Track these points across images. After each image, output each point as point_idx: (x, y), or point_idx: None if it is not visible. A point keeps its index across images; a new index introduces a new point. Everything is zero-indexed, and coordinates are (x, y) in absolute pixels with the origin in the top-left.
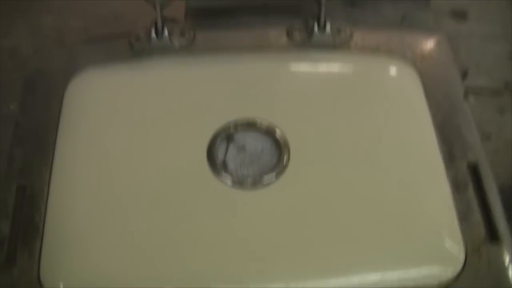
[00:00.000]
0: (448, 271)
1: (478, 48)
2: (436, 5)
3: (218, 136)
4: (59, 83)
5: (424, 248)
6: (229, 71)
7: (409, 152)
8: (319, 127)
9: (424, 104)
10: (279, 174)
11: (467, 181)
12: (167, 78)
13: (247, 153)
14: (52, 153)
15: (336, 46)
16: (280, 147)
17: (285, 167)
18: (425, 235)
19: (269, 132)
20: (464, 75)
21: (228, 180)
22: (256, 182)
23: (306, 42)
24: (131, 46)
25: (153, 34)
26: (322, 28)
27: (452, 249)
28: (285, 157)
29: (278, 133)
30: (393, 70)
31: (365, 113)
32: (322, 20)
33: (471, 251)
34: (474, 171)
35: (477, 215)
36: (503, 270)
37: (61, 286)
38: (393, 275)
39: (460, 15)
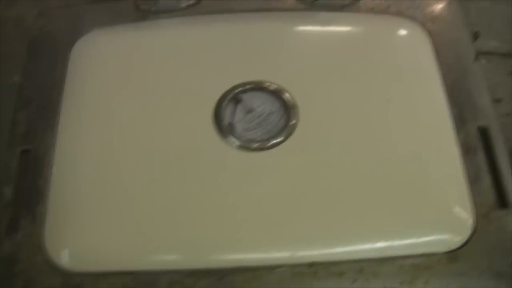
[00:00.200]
0: (457, 237)
1: (489, 10)
2: None
3: (225, 98)
4: (64, 46)
5: (433, 214)
6: (237, 32)
7: (419, 115)
8: (328, 89)
9: (434, 66)
10: (287, 136)
11: (477, 145)
12: (173, 39)
13: (255, 115)
14: (57, 117)
15: (345, 6)
16: (288, 109)
17: (293, 129)
18: (434, 200)
19: (278, 94)
20: (475, 37)
21: (236, 142)
22: (264, 144)
23: (314, 3)
24: (137, 7)
25: None
26: None
27: (461, 215)
28: (294, 119)
29: (286, 95)
30: (402, 31)
31: (374, 75)
32: None
33: (481, 217)
34: (484, 134)
35: (486, 180)
36: None
37: (66, 251)
38: (402, 242)
39: None
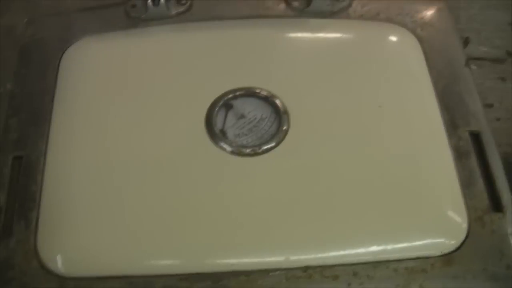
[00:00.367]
0: (452, 240)
1: (479, 16)
2: None
3: (216, 104)
4: (54, 53)
5: (427, 217)
6: (227, 38)
7: (411, 121)
8: (319, 94)
9: (425, 71)
10: (279, 142)
11: (469, 149)
12: (164, 46)
13: (246, 121)
14: (48, 123)
15: (335, 13)
16: (279, 115)
17: (285, 134)
18: (427, 204)
19: (269, 100)
20: (466, 43)
21: (227, 147)
22: (256, 150)
23: (304, 10)
24: (127, 15)
25: (150, 2)
26: None
27: (455, 219)
28: (285, 125)
29: (277, 100)
30: (393, 38)
31: (366, 81)
32: None
33: (474, 220)
34: (476, 139)
35: (479, 184)
36: (507, 239)
37: (58, 257)
38: (396, 245)
39: None
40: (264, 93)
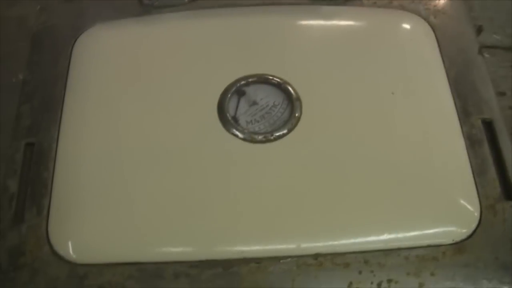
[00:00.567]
0: (463, 229)
1: (492, 4)
2: None
3: (228, 91)
4: (66, 40)
5: (439, 205)
6: (240, 25)
7: (423, 109)
8: (331, 81)
9: (438, 59)
10: (291, 129)
11: (482, 137)
12: (176, 33)
13: (258, 107)
14: (60, 110)
15: (348, 0)
16: (292, 102)
17: (297, 121)
18: (439, 192)
19: (281, 87)
20: (479, 31)
21: (239, 134)
22: (268, 137)
23: None
24: (140, 2)
25: None
26: None
27: (467, 207)
28: (297, 112)
29: (290, 87)
30: (406, 25)
31: (378, 69)
32: None
33: (486, 208)
34: (489, 127)
35: (492, 172)
36: None
37: (70, 243)
38: (407, 233)
39: None
40: (276, 79)
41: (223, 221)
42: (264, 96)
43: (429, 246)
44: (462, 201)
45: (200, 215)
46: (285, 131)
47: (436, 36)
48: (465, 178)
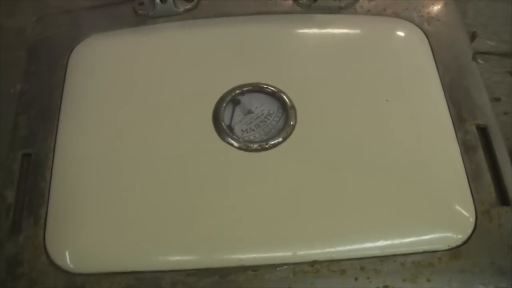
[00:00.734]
0: (459, 234)
1: (486, 10)
2: None
3: (223, 100)
4: (63, 50)
5: (434, 211)
6: (234, 35)
7: (418, 115)
8: (326, 89)
9: (432, 66)
10: (286, 137)
11: (477, 143)
12: (171, 43)
13: (253, 116)
14: (57, 120)
15: (342, 8)
16: (286, 110)
17: (292, 129)
18: (434, 198)
19: (276, 96)
20: (473, 37)
21: (235, 143)
22: (263, 145)
23: (312, 5)
24: (135, 12)
25: None
26: None
27: (463, 212)
28: (292, 120)
29: (284, 96)
30: (400, 33)
31: (373, 77)
32: None
33: (482, 214)
34: (483, 133)
35: (487, 177)
36: None
37: (67, 253)
38: (403, 239)
39: None
40: (271, 88)
41: (220, 230)
42: (259, 104)
43: (425, 252)
44: (457, 207)
45: (197, 223)
46: (280, 140)
47: (430, 43)
48: (460, 184)
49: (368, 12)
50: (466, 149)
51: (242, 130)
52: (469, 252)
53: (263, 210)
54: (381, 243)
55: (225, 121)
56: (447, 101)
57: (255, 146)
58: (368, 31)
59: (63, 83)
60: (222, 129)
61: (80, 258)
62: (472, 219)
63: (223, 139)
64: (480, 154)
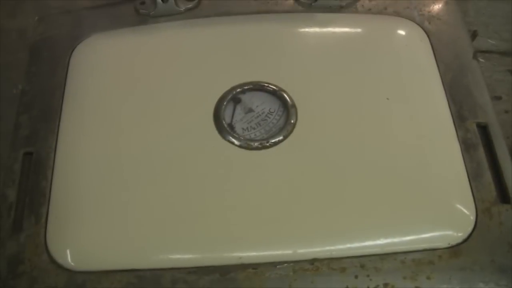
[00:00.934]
0: (459, 232)
1: (487, 9)
2: None
3: (224, 99)
4: (64, 50)
5: (435, 209)
6: (236, 33)
7: (419, 113)
8: (326, 88)
9: (433, 65)
10: (286, 135)
11: (477, 141)
12: (173, 42)
13: (254, 115)
14: (58, 119)
15: (343, 7)
16: (287, 109)
17: (292, 128)
18: (435, 196)
19: (276, 94)
20: (474, 36)
21: (235, 141)
22: (264, 143)
23: (312, 4)
24: (137, 11)
25: None
26: None
27: (463, 210)
28: (293, 118)
29: (285, 94)
30: (401, 31)
31: (374, 75)
32: None
33: (482, 212)
34: (484, 131)
35: (487, 176)
36: None
37: (68, 251)
38: (403, 237)
39: None
40: (272, 87)
41: (220, 228)
42: (260, 103)
43: (425, 250)
44: (458, 205)
45: (197, 221)
46: (280, 138)
47: (430, 41)
48: (460, 182)
49: (369, 11)
50: (466, 147)
51: (243, 129)
52: (469, 250)
53: (263, 208)
54: (381, 241)
55: (226, 119)
56: (447, 100)
57: (256, 144)
58: (369, 30)
59: (64, 83)
60: (223, 128)
61: (81, 257)
62: (472, 217)
63: (224, 138)
64: (481, 153)
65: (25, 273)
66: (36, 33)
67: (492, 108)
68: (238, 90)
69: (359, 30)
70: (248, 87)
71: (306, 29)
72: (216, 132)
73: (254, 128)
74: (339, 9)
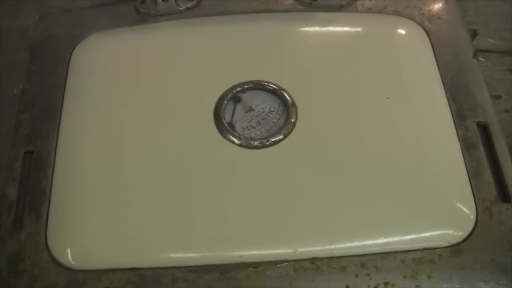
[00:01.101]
0: (459, 231)
1: (487, 8)
2: None
3: (224, 98)
4: (64, 49)
5: (435, 208)
6: (236, 33)
7: (419, 113)
8: (326, 87)
9: (433, 64)
10: (287, 134)
11: (477, 140)
12: (173, 41)
13: (254, 114)
14: (59, 118)
15: (343, 7)
16: (287, 108)
17: (292, 127)
18: (435, 195)
19: (277, 93)
20: (474, 35)
21: (236, 140)
22: (264, 142)
23: (312, 4)
24: (137, 10)
25: None
26: None
27: (463, 210)
28: (293, 117)
29: (285, 93)
30: (401, 31)
31: (374, 74)
32: None
33: (482, 211)
34: (484, 130)
35: (487, 175)
36: None
37: (68, 250)
38: (404, 236)
39: None
40: (272, 86)
41: (221, 226)
42: (260, 102)
43: (425, 249)
44: (458, 204)
45: (198, 220)
46: (281, 137)
47: (431, 40)
48: (461, 181)
49: (369, 10)
50: (466, 146)
51: (243, 128)
52: (469, 249)
53: (263, 207)
54: (381, 240)
55: (226, 118)
56: (447, 99)
57: (256, 143)
58: (369, 29)
59: (65, 82)
60: (223, 127)
61: (81, 255)
62: (472, 216)
63: (224, 137)
64: (481, 152)
65: (26, 272)
66: (36, 32)
67: (492, 107)
68: (238, 89)
69: (359, 29)
70: (248, 86)
71: (306, 28)
72: (216, 131)
73: (254, 127)
74: (339, 8)
